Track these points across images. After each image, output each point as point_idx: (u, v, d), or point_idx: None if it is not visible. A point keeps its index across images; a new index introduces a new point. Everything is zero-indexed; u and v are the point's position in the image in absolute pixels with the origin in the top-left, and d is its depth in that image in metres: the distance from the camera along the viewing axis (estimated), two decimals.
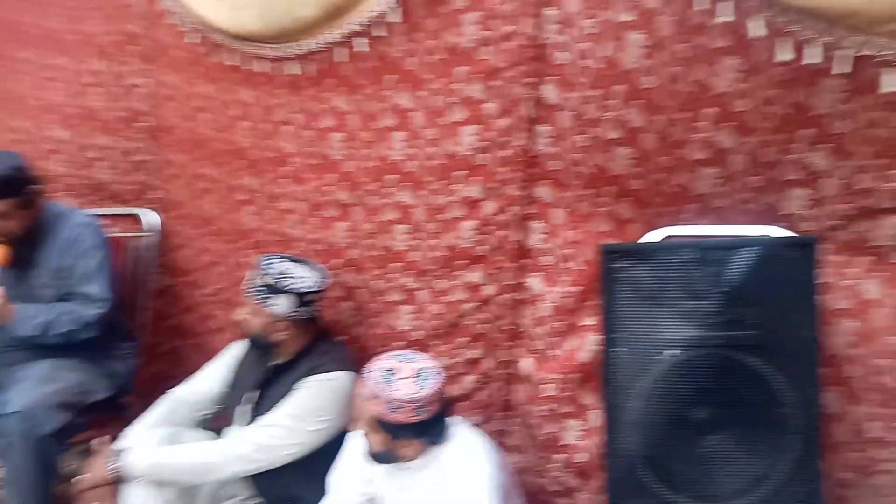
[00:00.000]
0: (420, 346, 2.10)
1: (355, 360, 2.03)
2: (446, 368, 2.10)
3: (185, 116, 2.17)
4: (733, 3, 1.31)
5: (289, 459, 1.90)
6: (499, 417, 2.18)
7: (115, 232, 2.44)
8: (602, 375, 1.41)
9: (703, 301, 1.32)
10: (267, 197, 2.13)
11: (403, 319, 2.08)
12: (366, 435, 1.67)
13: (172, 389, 2.10)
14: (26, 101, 2.70)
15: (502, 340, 2.04)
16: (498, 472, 1.65)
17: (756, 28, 1.30)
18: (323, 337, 2.03)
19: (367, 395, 1.62)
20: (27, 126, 2.71)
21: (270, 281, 1.90)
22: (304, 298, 1.91)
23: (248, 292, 1.94)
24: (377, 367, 1.64)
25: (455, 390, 2.12)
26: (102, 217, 2.35)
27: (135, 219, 2.54)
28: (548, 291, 1.91)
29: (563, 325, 1.88)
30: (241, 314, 1.98)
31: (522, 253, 1.90)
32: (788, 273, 1.31)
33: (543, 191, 1.79)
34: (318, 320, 2.04)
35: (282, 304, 1.91)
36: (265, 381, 2.00)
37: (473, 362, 2.08)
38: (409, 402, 1.57)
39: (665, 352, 1.35)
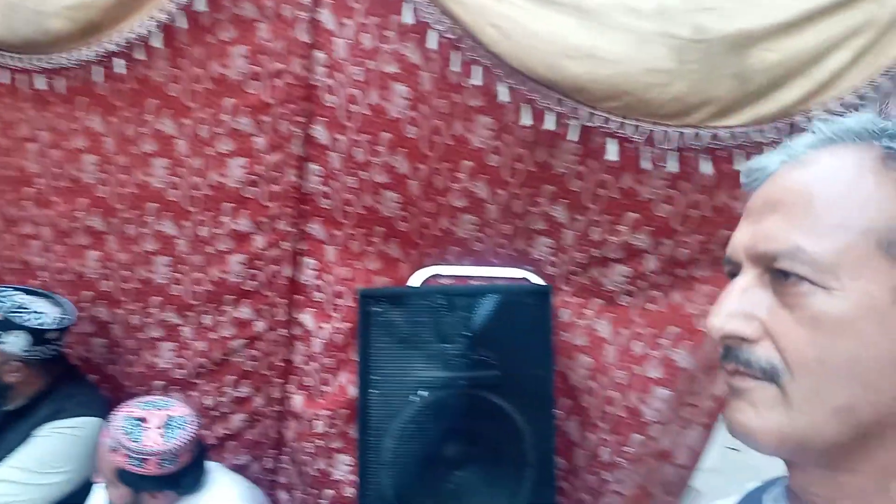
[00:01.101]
0: (183, 385, 1.98)
1: (109, 402, 1.85)
2: (212, 408, 2.01)
3: None
4: (483, 68, 1.41)
5: None
6: (269, 456, 2.12)
7: None
8: (358, 417, 1.43)
9: (451, 344, 1.39)
10: (4, 220, 1.89)
11: (164, 357, 1.95)
12: (107, 488, 1.53)
13: None
14: None
15: (273, 377, 1.99)
16: None
17: (502, 93, 1.41)
18: (68, 378, 1.84)
19: (109, 446, 1.49)
20: None
21: (2, 316, 1.68)
22: (42, 336, 1.72)
23: None
24: (122, 414, 1.52)
25: (222, 430, 2.03)
26: None
27: None
28: (319, 328, 1.90)
29: (334, 361, 1.88)
30: None
31: (294, 289, 1.87)
32: (527, 318, 1.44)
33: (315, 228, 1.79)
34: (62, 359, 1.84)
35: (15, 342, 1.70)
36: None
37: (242, 400, 2.00)
38: (154, 454, 1.47)
39: (416, 392, 1.40)
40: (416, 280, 1.75)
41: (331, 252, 1.81)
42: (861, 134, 0.53)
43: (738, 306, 0.53)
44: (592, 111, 1.36)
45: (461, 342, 1.39)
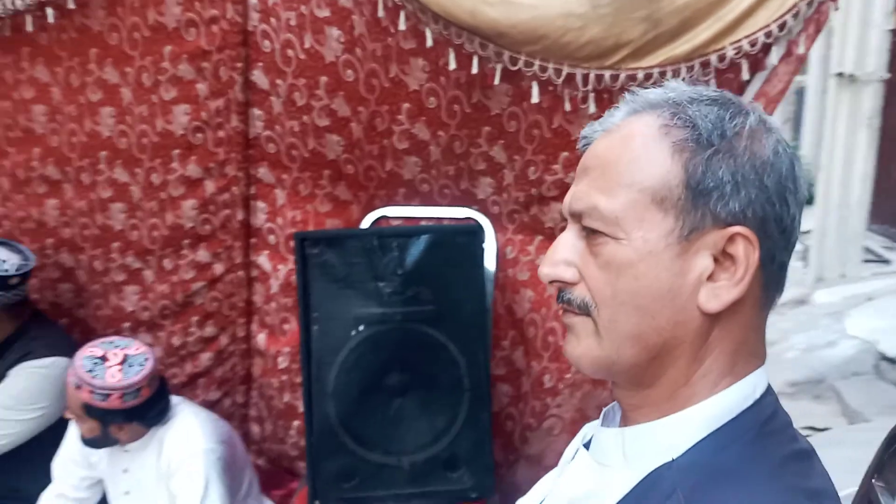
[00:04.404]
0: (151, 326, 2.07)
1: (75, 342, 1.94)
2: (180, 347, 2.11)
3: None
4: (408, 12, 1.43)
5: (2, 451, 1.80)
6: (239, 391, 2.23)
7: None
8: (301, 352, 1.52)
9: (386, 282, 1.47)
10: None
11: (130, 300, 2.03)
12: (77, 422, 1.64)
13: None
14: None
15: (236, 317, 2.08)
16: (218, 445, 1.71)
17: (429, 37, 1.44)
18: (36, 321, 1.92)
19: (74, 383, 1.59)
20: None
21: None
22: (5, 283, 1.79)
23: None
24: (84, 354, 1.61)
25: (192, 368, 2.13)
26: None
27: None
28: (276, 269, 1.98)
29: (292, 301, 1.96)
30: None
31: (248, 232, 1.94)
32: (460, 256, 1.51)
33: (263, 172, 1.84)
34: (28, 304, 1.92)
35: None
36: None
37: (208, 340, 2.10)
38: (116, 388, 1.56)
39: (356, 328, 1.49)
40: (367, 222, 1.82)
41: (280, 195, 1.87)
42: (654, 104, 0.61)
43: (561, 255, 0.63)
44: (515, 55, 1.39)
45: (395, 280, 1.47)
